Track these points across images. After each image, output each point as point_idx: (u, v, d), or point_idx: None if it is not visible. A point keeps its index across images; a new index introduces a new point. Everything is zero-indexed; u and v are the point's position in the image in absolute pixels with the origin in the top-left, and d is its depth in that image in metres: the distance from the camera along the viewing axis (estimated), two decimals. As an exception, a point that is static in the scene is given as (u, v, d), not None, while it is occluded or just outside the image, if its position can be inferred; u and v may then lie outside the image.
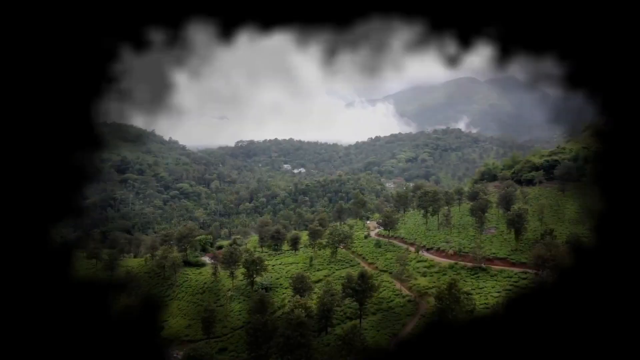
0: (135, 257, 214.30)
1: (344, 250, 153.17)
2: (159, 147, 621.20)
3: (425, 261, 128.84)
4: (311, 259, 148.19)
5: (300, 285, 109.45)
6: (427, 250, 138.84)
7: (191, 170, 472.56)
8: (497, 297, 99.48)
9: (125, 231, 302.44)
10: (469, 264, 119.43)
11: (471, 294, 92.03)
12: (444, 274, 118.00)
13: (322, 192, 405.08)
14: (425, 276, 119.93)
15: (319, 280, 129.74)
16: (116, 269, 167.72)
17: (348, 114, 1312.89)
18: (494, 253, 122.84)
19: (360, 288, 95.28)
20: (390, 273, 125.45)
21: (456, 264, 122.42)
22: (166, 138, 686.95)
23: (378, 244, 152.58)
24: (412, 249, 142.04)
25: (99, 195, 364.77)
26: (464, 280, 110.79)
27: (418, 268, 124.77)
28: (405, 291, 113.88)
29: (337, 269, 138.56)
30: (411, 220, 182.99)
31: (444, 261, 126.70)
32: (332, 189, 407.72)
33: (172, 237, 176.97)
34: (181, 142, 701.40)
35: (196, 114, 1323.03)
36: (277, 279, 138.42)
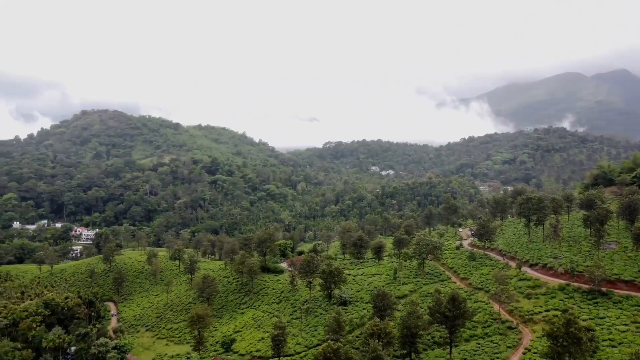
0: (219, 258, 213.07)
1: (432, 262, 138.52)
2: (249, 148, 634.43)
3: (529, 280, 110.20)
4: (395, 270, 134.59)
5: (382, 304, 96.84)
6: (531, 266, 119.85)
7: (278, 171, 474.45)
8: (625, 330, 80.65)
9: (212, 232, 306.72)
10: (585, 286, 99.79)
11: (594, 330, 74.02)
12: (553, 297, 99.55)
13: (410, 195, 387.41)
14: (529, 298, 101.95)
15: (404, 296, 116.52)
16: (195, 272, 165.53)
17: (439, 114, 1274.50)
18: (616, 274, 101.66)
19: (451, 314, 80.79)
20: (487, 292, 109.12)
21: (568, 285, 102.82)
22: (256, 140, 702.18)
23: (472, 257, 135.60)
24: (512, 264, 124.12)
25: (190, 195, 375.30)
26: (579, 307, 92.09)
27: (520, 288, 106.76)
28: (505, 315, 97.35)
29: (424, 284, 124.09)
30: (510, 230, 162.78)
31: (553, 281, 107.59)
32: (421, 192, 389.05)
33: (251, 241, 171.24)
34: (271, 143, 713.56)
35: (287, 116, 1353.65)
36: (358, 291, 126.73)
